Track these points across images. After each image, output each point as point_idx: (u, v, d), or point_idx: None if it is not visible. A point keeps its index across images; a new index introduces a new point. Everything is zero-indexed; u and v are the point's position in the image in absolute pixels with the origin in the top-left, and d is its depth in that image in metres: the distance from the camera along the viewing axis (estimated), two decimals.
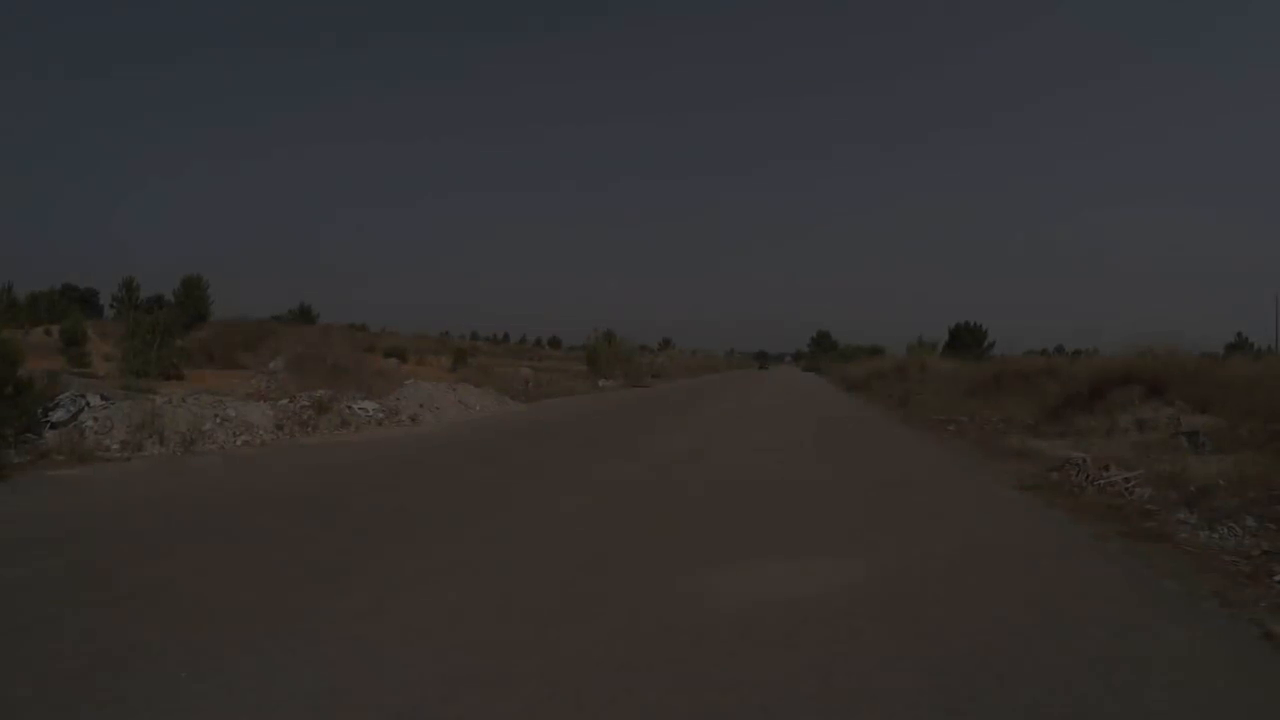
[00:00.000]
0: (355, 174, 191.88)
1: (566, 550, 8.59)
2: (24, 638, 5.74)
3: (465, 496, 11.87)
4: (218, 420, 17.01)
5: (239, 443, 16.66)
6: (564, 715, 4.66)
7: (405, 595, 6.92)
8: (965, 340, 72.49)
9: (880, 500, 11.92)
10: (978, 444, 19.57)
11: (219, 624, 6.08)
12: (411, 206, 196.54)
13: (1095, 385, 22.26)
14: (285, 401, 20.32)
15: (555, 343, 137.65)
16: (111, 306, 53.86)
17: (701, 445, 19.17)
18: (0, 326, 13.33)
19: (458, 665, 5.37)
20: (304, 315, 68.82)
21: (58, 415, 15.03)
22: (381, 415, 22.01)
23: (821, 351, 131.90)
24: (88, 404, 15.73)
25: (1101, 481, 12.43)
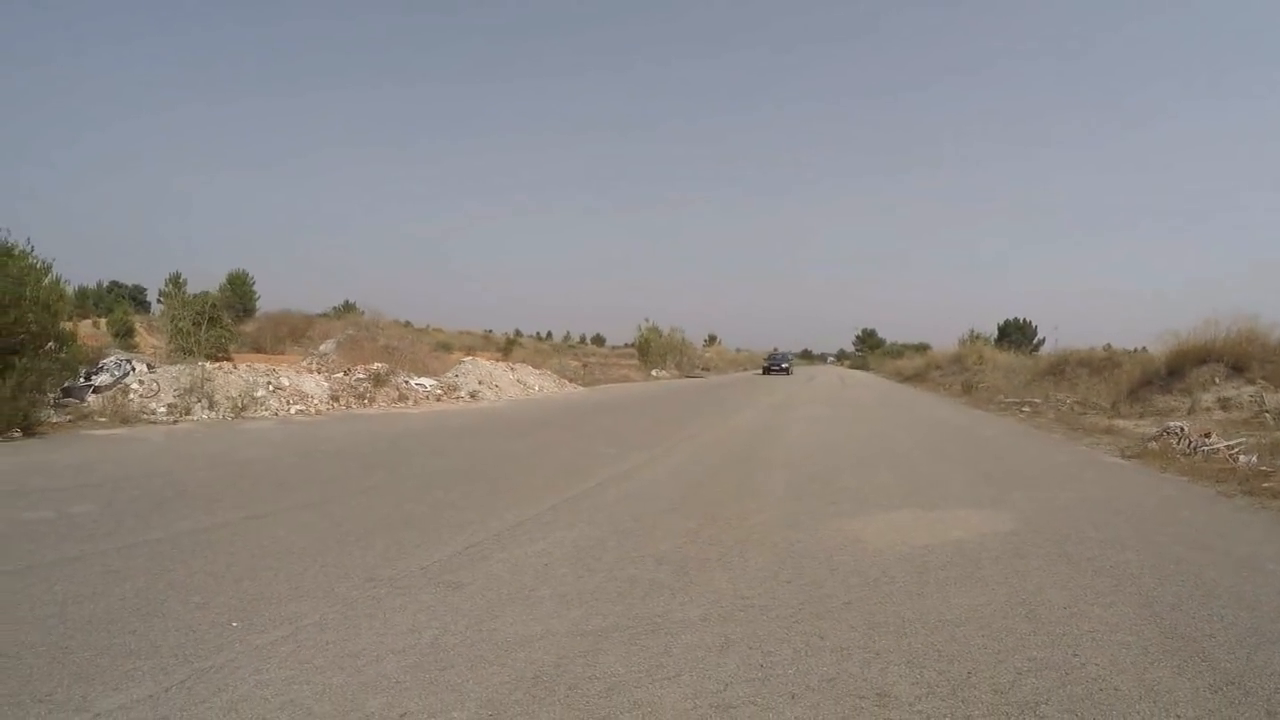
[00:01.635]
0: (395, 175, 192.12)
1: (684, 500, 7.90)
2: (42, 576, 4.85)
3: (573, 457, 11.22)
4: (271, 389, 16.19)
5: (293, 411, 15.85)
6: (754, 667, 3.67)
7: (528, 540, 6.07)
8: (1015, 335, 71.27)
9: (986, 465, 11.29)
10: (1060, 423, 18.81)
11: (279, 571, 5.10)
12: (455, 208, 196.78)
13: (1173, 366, 21.28)
14: (340, 374, 19.49)
15: (599, 340, 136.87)
16: (159, 301, 53.47)
17: (779, 421, 18.43)
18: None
19: (597, 612, 4.38)
20: (348, 311, 68.50)
21: (101, 379, 14.34)
22: (440, 391, 21.16)
23: (868, 349, 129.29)
24: (133, 368, 14.86)
25: (1206, 448, 11.93)
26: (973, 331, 56.10)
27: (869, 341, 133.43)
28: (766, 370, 67.80)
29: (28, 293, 12.01)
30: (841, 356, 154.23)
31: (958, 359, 48.07)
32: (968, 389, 33.46)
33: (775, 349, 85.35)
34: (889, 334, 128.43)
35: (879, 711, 3.22)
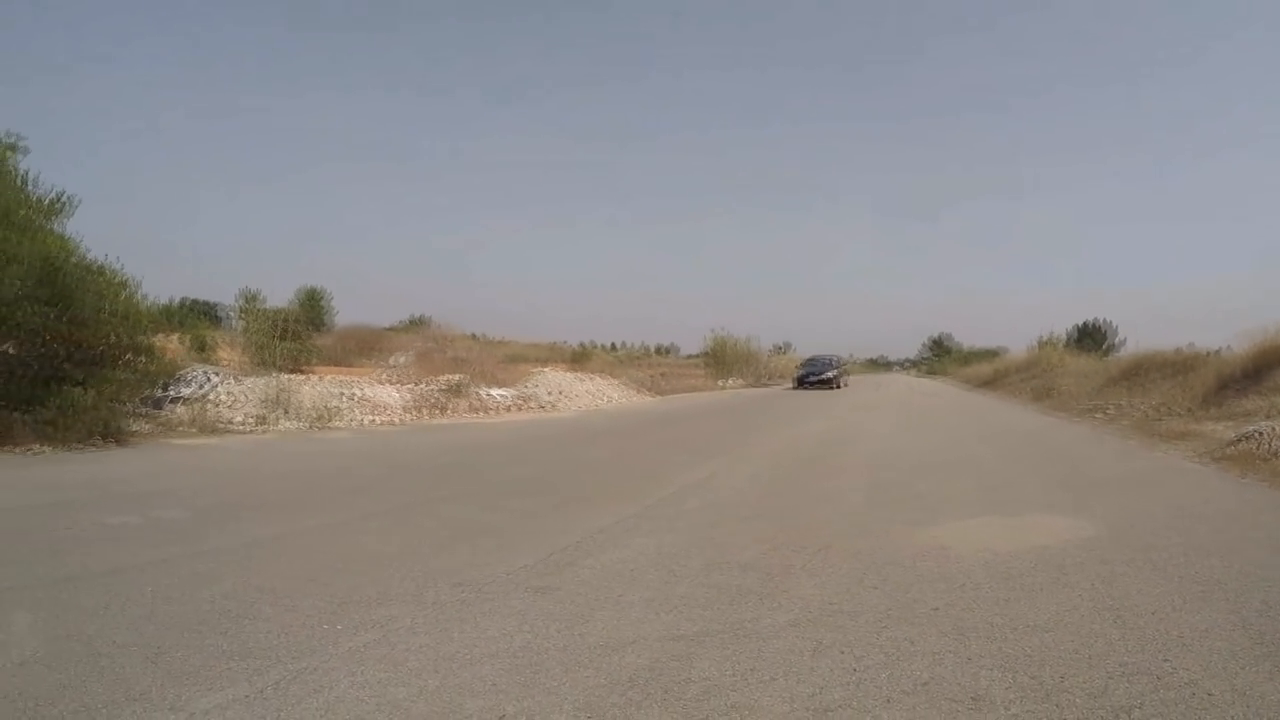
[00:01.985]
0: (459, 191, 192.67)
1: (764, 507, 7.88)
2: (131, 579, 4.97)
3: (649, 465, 11.29)
4: (349, 399, 16.46)
5: (371, 421, 16.07)
6: (847, 671, 3.65)
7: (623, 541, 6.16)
8: (1091, 338, 69.79)
9: (1064, 471, 11.09)
10: (1136, 428, 18.23)
11: (366, 576, 5.16)
12: (519, 220, 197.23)
13: (1253, 367, 20.37)
14: (416, 385, 19.75)
15: (667, 350, 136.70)
16: (237, 316, 54.84)
17: (851, 427, 18.37)
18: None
19: (687, 618, 4.37)
20: (419, 324, 69.34)
21: (184, 390, 14.67)
22: (514, 401, 21.30)
23: (938, 355, 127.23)
24: (214, 380, 15.22)
25: None
26: (1045, 335, 55.16)
27: (939, 348, 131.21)
28: (801, 383, 45.13)
29: (111, 307, 12.32)
30: (913, 364, 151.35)
31: (1031, 364, 47.21)
32: (1041, 394, 32.86)
33: (834, 356, 52.80)
34: (961, 339, 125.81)
35: (974, 715, 3.20)
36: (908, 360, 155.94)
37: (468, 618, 4.28)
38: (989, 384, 49.71)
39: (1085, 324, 74.04)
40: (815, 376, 44.86)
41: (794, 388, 44.76)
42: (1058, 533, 6.75)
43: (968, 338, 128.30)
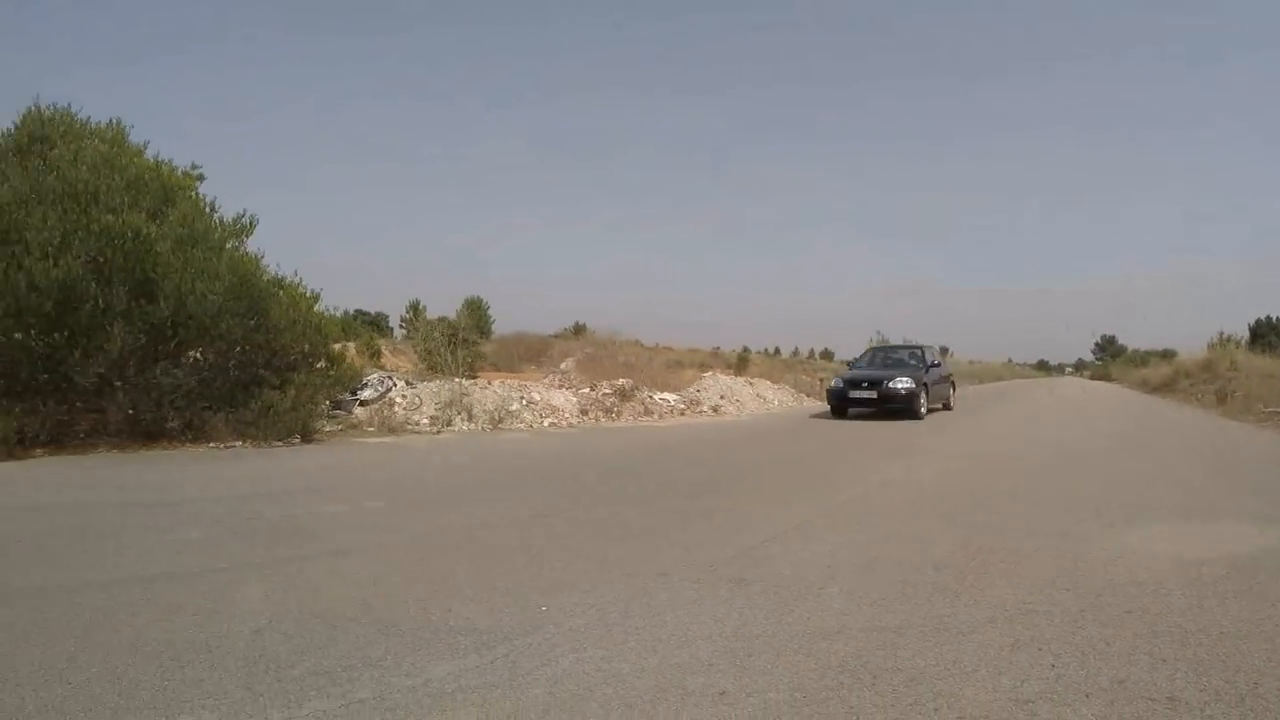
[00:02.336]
0: (612, 199, 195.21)
1: (948, 509, 7.85)
2: (353, 560, 5.46)
3: (826, 467, 11.39)
4: (524, 403, 17.04)
5: (545, 424, 16.71)
6: (1044, 666, 3.74)
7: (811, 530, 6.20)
8: (1271, 336, 65.75)
9: (1252, 479, 10.63)
10: None
11: (571, 563, 5.46)
12: (682, 226, 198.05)
13: None
14: (587, 390, 20.22)
15: (828, 354, 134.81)
16: (400, 327, 57.80)
17: (1024, 430, 18.11)
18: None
19: (887, 611, 4.51)
20: (581, 331, 70.70)
21: (367, 393, 15.72)
22: (683, 405, 21.61)
23: (1109, 358, 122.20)
24: (394, 384, 16.04)
25: None
26: (1222, 334, 52.34)
27: (1109, 349, 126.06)
28: (840, 401, 20.82)
29: (304, 318, 13.15)
30: (1080, 367, 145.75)
31: (1208, 365, 44.97)
32: (1221, 398, 31.29)
33: (921, 348, 23.32)
34: (1132, 339, 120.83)
35: (1170, 714, 3.23)
36: (1079, 361, 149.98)
37: (677, 604, 4.48)
38: (1164, 387, 47.62)
39: (1263, 320, 69.96)
40: (867, 386, 20.62)
41: (830, 411, 21.71)
42: (1248, 540, 6.60)
43: (1138, 339, 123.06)
